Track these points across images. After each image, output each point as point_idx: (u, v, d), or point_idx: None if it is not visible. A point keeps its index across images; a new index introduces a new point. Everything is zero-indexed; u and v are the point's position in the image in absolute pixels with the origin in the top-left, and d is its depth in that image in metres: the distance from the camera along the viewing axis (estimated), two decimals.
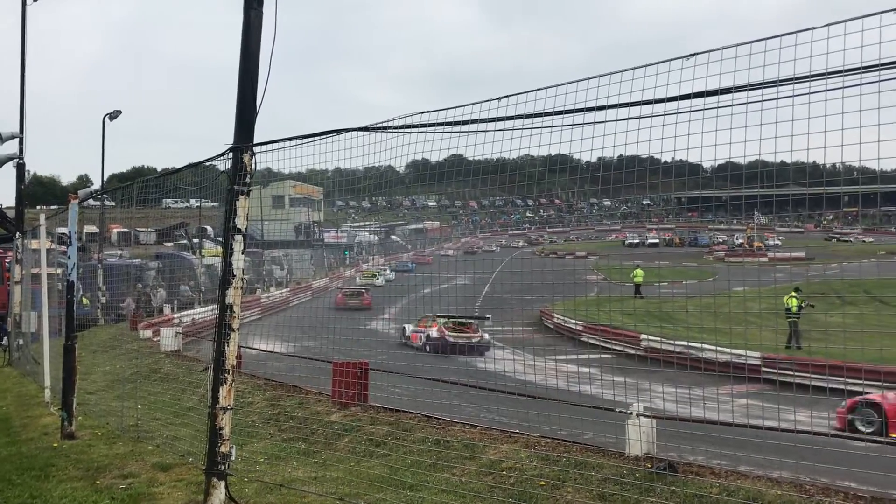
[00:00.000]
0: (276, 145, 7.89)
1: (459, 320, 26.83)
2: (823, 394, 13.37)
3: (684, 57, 6.15)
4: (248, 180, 7.08)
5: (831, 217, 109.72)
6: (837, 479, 7.46)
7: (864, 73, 5.77)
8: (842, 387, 10.38)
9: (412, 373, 13.29)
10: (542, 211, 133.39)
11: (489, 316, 24.41)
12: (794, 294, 24.92)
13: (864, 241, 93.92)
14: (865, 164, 6.38)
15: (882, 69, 5.65)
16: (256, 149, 7.36)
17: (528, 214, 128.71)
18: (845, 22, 5.48)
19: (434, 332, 27.29)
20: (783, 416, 7.74)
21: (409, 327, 28.33)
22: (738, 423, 7.45)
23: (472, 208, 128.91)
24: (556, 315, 32.26)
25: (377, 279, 51.89)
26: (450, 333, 27.27)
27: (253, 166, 7.19)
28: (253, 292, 42.33)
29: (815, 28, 5.68)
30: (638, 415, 8.02)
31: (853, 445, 9.15)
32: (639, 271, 43.51)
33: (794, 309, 24.14)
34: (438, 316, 24.91)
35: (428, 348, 26.63)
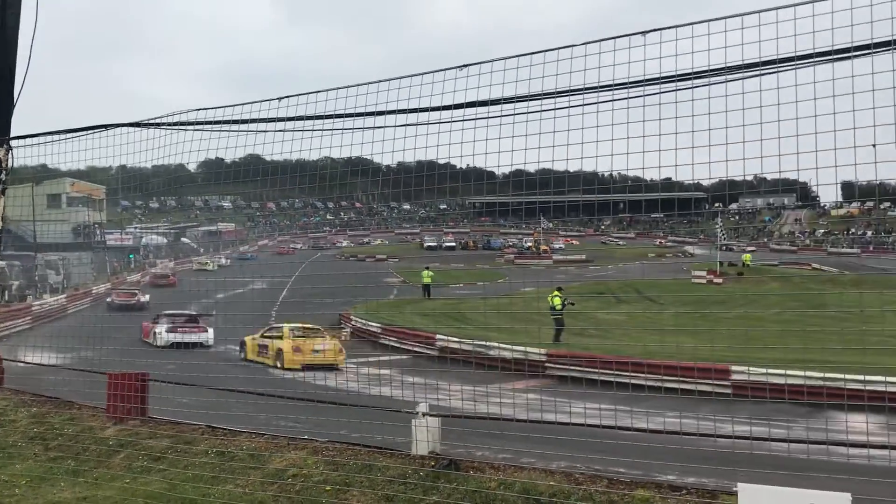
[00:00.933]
0: (41, 139, 7.22)
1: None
2: (606, 387, 14.23)
3: (457, 67, 6.35)
4: (2, 177, 6.40)
5: (608, 222, 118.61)
6: (610, 467, 7.98)
7: (630, 87, 6.18)
8: (614, 380, 11.14)
9: (197, 382, 12.66)
10: (342, 213, 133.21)
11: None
12: (556, 293, 26.74)
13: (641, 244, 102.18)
14: (635, 173, 6.89)
15: (645, 84, 6.08)
16: (17, 143, 6.68)
17: (328, 217, 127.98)
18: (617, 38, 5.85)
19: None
20: (564, 408, 8.19)
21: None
22: (520, 417, 7.76)
23: (269, 210, 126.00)
24: (354, 318, 32.25)
25: (209, 266, 58.01)
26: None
27: (10, 162, 6.51)
28: (23, 299, 38.64)
29: (588, 43, 6.02)
30: (423, 414, 8.15)
31: (623, 435, 9.86)
32: (427, 272, 44.22)
33: (558, 307, 26.00)
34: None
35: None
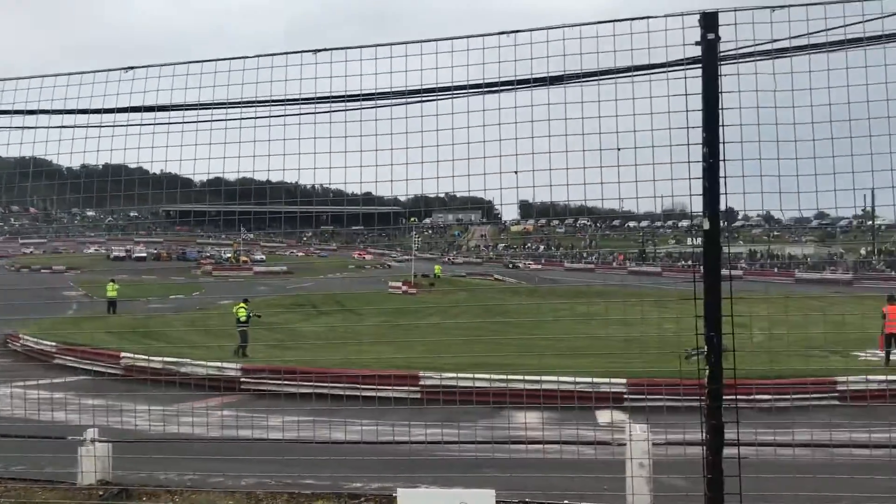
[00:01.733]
0: None
1: None
2: (304, 400, 14.15)
3: (123, 69, 5.96)
4: None
5: (311, 234, 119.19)
6: (302, 479, 7.91)
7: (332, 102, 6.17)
8: (312, 391, 11.14)
9: None
10: (13, 220, 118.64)
11: None
12: (242, 305, 26.66)
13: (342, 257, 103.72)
14: (338, 186, 6.91)
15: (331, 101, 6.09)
16: None
17: None
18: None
19: None
20: (261, 423, 7.97)
21: None
22: (211, 436, 7.41)
23: None
24: (24, 337, 28.76)
25: None
26: None
27: None
28: None
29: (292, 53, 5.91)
30: (91, 440, 7.47)
31: (320, 448, 9.87)
32: (112, 285, 40.73)
33: (244, 318, 25.99)
34: None
35: None
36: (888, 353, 22.34)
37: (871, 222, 70.95)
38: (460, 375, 18.62)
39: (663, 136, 4.74)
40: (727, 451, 5.02)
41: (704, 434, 4.66)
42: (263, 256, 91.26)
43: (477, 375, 18.86)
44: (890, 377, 20.03)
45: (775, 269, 71.22)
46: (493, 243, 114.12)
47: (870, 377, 20.18)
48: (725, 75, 4.75)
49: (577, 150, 4.83)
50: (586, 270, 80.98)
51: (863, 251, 75.63)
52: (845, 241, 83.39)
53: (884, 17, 4.47)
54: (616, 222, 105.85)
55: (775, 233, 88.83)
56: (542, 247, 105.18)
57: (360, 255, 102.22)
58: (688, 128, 4.70)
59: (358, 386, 19.03)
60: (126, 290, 45.40)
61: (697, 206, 4.71)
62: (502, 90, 5.10)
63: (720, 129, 4.69)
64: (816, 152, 5.09)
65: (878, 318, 23.02)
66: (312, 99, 6.14)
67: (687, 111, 4.72)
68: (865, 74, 4.70)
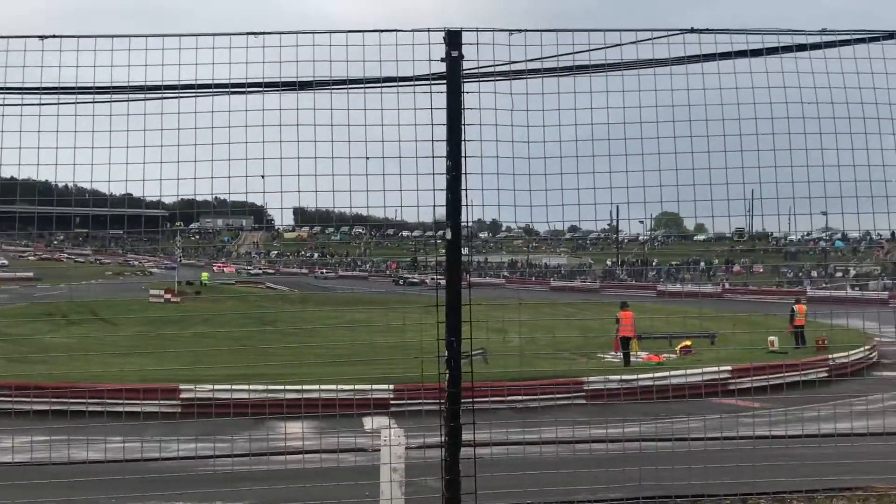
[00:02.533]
0: None
1: None
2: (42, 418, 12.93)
3: None
4: None
5: (63, 237, 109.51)
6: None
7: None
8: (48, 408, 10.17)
9: None
10: None
11: None
12: None
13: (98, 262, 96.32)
14: (97, 186, 6.33)
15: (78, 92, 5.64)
16: None
17: None
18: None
19: None
20: None
21: None
22: None
23: None
24: None
25: None
26: None
27: None
28: None
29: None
30: None
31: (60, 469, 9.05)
32: None
33: None
34: None
35: None
36: (626, 355, 24.67)
37: (615, 235, 78.22)
38: (222, 387, 17.95)
39: (410, 148, 4.88)
40: (474, 451, 5.25)
41: (443, 436, 4.84)
42: (6, 262, 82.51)
43: (239, 387, 18.30)
44: (625, 377, 22.08)
45: (533, 278, 76.22)
46: (265, 250, 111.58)
47: (609, 377, 22.12)
48: (469, 92, 4.99)
49: (325, 156, 4.83)
50: (359, 278, 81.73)
51: (608, 262, 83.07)
52: (594, 252, 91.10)
53: (605, 47, 4.94)
54: (390, 231, 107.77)
55: (534, 244, 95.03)
56: (316, 254, 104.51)
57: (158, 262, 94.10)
58: (433, 141, 4.88)
59: (109, 401, 17.71)
60: None
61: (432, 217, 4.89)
62: (249, 92, 4.98)
63: (463, 143, 4.91)
64: (571, 169, 5.48)
65: (615, 322, 25.43)
66: (73, 89, 5.59)
67: (432, 124, 4.89)
68: (604, 98, 5.14)
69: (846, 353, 26.14)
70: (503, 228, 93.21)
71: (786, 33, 5.24)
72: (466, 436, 5.67)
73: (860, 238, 67.81)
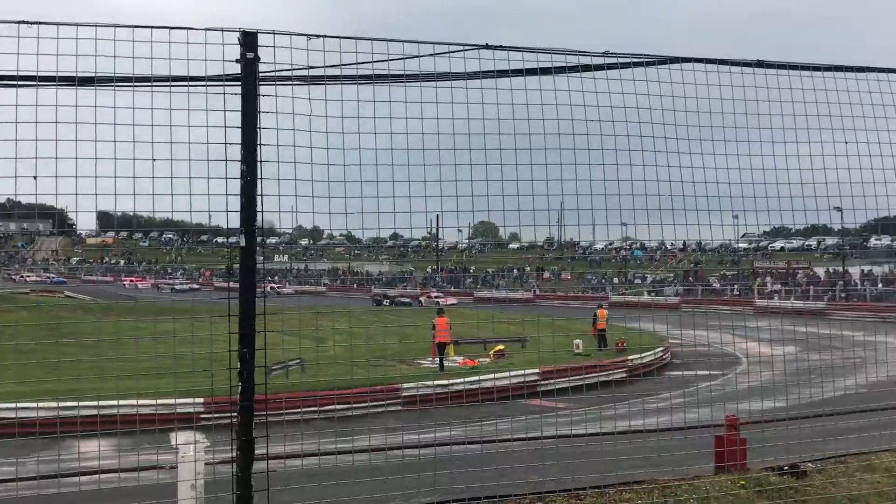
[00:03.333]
0: None
1: None
2: None
3: None
4: None
5: None
6: None
7: None
8: None
9: None
10: None
11: None
12: None
13: None
14: None
15: None
16: None
17: None
18: None
19: None
20: None
21: None
22: None
23: None
24: None
25: None
26: None
27: None
28: None
29: None
30: None
31: None
32: None
33: None
34: None
35: None
36: (441, 360, 25.17)
37: (435, 244, 79.78)
38: (6, 406, 16.44)
39: (202, 151, 4.67)
40: (267, 464, 5.09)
41: (234, 451, 4.66)
42: None
43: (26, 405, 16.83)
44: (441, 382, 22.51)
45: (355, 286, 76.05)
46: (65, 256, 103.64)
47: (424, 382, 22.49)
48: (266, 95, 4.86)
49: (107, 157, 4.51)
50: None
51: (429, 269, 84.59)
52: (415, 260, 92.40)
53: (404, 58, 4.98)
54: (204, 237, 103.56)
55: (356, 251, 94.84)
56: (123, 261, 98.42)
57: None
58: (226, 144, 4.70)
59: None
60: None
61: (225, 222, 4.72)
62: (21, 86, 4.55)
63: (259, 147, 4.77)
64: (386, 177, 5.46)
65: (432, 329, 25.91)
66: None
67: (226, 127, 4.71)
68: (412, 108, 5.18)
69: (641, 355, 28.20)
70: (325, 235, 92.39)
71: (573, 53, 5.55)
72: (276, 448, 5.51)
73: (656, 247, 73.50)
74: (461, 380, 22.61)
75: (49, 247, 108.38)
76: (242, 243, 4.71)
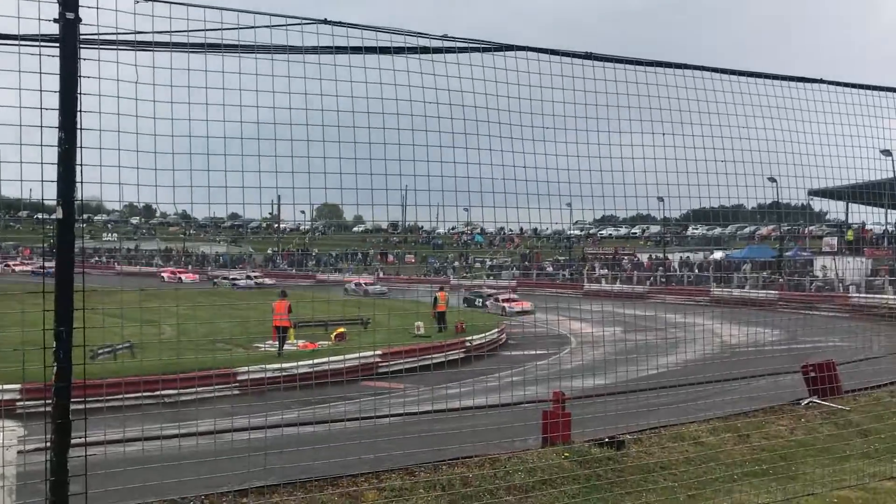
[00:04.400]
0: None
1: None
2: None
3: None
4: None
5: None
6: None
7: None
8: None
9: None
10: None
11: None
12: None
13: None
14: None
15: None
16: None
17: None
18: None
19: None
20: None
21: None
22: None
23: None
24: None
25: None
26: None
27: None
28: None
29: None
30: None
31: None
32: None
33: None
34: None
35: None
36: (281, 340, 24.80)
37: (277, 225, 78.03)
38: None
39: (15, 115, 4.32)
40: (85, 450, 4.83)
41: (49, 435, 4.39)
42: None
43: None
44: (284, 365, 22.17)
45: (189, 267, 73.10)
46: None
47: (266, 366, 22.09)
48: (88, 59, 4.56)
49: None
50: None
51: (269, 251, 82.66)
52: (255, 241, 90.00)
53: (239, 28, 4.83)
54: (24, 213, 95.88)
55: (192, 231, 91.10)
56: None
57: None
58: (41, 109, 4.37)
59: None
60: None
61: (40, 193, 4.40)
62: None
63: (79, 113, 4.47)
64: (221, 151, 5.26)
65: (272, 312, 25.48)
66: None
67: (41, 91, 4.38)
68: (246, 80, 5.01)
69: (482, 336, 29.03)
70: (157, 214, 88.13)
71: (412, 35, 5.58)
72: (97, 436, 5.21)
73: (496, 232, 75.67)
74: (300, 363, 22.37)
75: None
76: (60, 215, 4.41)
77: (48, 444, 4.35)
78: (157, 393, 19.37)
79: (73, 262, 4.42)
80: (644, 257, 64.25)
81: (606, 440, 9.14)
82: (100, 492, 4.78)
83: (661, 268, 58.50)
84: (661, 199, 8.42)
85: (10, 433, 6.88)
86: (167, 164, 5.02)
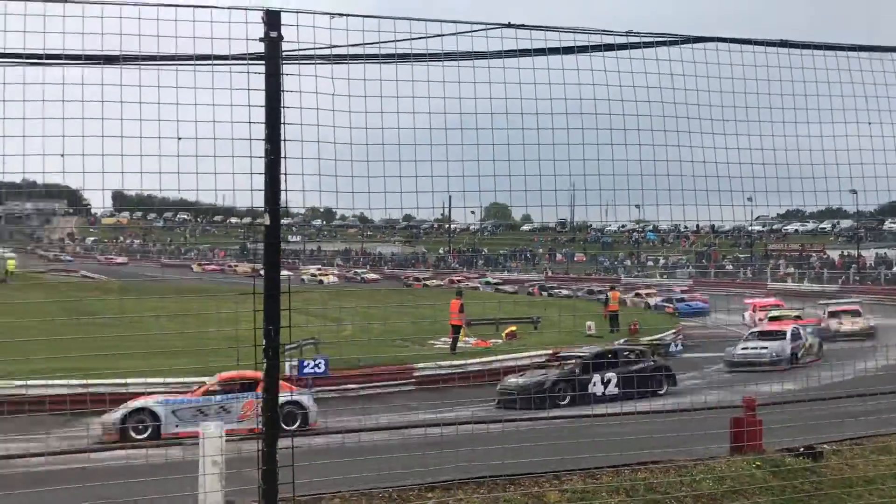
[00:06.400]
0: None
1: None
2: None
3: None
4: None
5: None
6: None
7: None
8: None
9: None
10: None
11: None
12: None
13: None
14: None
15: None
16: None
17: None
18: None
19: None
20: None
21: None
22: None
23: None
24: None
25: None
26: None
27: None
28: None
29: None
30: None
31: None
32: None
33: None
34: None
35: None
36: (454, 340, 25.27)
37: (447, 225, 79.73)
38: (30, 384, 16.67)
39: (227, 129, 4.69)
40: (292, 441, 5.16)
41: (260, 426, 4.73)
42: None
43: (51, 382, 17.06)
44: (455, 362, 22.62)
45: (368, 266, 76.28)
46: (81, 237, 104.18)
47: (439, 363, 22.63)
48: (289, 74, 4.87)
49: (134, 136, 4.54)
50: (184, 267, 78.27)
51: (441, 250, 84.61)
52: (427, 241, 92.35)
53: (427, 37, 4.98)
54: (218, 217, 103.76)
55: (369, 232, 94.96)
56: (137, 241, 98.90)
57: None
58: (250, 122, 4.72)
59: None
60: None
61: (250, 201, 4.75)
62: (48, 64, 4.59)
63: (282, 126, 4.79)
64: (403, 157, 5.47)
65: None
66: None
67: (249, 106, 4.73)
68: (434, 87, 5.15)
69: (659, 336, 28.15)
70: (337, 216, 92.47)
71: (595, 33, 5.52)
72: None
73: (669, 230, 73.14)
74: (474, 360, 22.74)
75: (65, 226, 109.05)
76: (267, 222, 4.74)
77: (260, 434, 4.69)
78: (343, 387, 20.35)
79: (279, 264, 4.75)
80: (834, 254, 59.81)
81: (802, 450, 8.57)
82: (304, 481, 5.09)
83: (853, 265, 54.21)
84: (854, 192, 7.81)
85: (221, 423, 7.48)
86: (348, 170, 5.23)
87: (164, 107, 4.85)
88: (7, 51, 4.89)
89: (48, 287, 49.41)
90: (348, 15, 4.79)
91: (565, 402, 16.92)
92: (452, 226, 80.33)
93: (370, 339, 24.73)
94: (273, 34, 4.71)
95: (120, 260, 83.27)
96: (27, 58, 4.55)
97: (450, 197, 7.04)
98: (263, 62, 4.75)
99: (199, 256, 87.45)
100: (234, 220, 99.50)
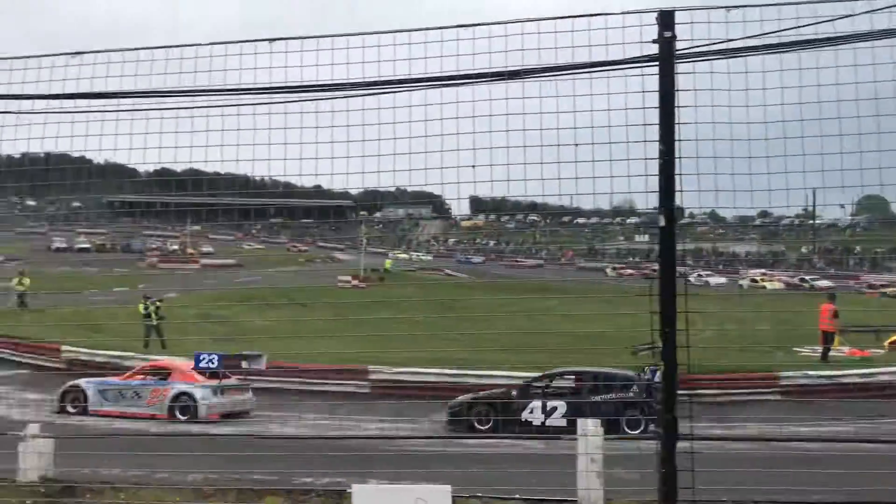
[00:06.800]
0: None
1: None
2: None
3: (70, 54, 5.76)
4: None
5: (259, 227, 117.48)
6: (250, 475, 7.81)
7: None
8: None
9: None
10: None
11: None
12: (145, 300, 26.88)
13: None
14: (289, 179, 6.79)
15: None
16: None
17: None
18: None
19: None
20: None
21: None
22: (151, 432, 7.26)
23: None
24: None
25: None
26: None
27: None
28: None
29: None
30: (34, 436, 7.31)
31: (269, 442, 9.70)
32: (20, 279, 35.86)
33: (144, 313, 26.15)
34: None
35: None
36: (826, 350, 22.96)
37: (811, 221, 72.95)
38: (409, 370, 18.56)
39: (619, 133, 4.77)
40: (691, 444, 5.07)
41: (658, 428, 4.71)
42: (212, 249, 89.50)
43: (426, 370, 18.84)
44: (824, 372, 20.54)
45: (720, 267, 72.66)
46: (443, 238, 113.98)
47: (808, 372, 20.71)
48: (681, 73, 4.80)
49: (534, 144, 4.83)
50: (536, 266, 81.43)
51: (803, 249, 77.65)
52: (787, 239, 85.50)
53: (834, 19, 4.56)
54: (565, 218, 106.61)
55: (720, 230, 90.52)
56: (491, 242, 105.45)
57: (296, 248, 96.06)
58: (644, 125, 4.75)
59: (306, 381, 18.91)
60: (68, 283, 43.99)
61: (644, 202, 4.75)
62: (461, 83, 5.06)
63: (676, 126, 4.74)
64: (765, 152, 5.17)
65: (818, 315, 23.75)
66: (268, 89, 6.00)
67: (644, 108, 4.75)
68: (817, 75, 4.79)
69: None
70: (685, 215, 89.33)
71: None
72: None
73: None
74: (850, 372, 20.46)
75: (430, 230, 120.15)
76: (662, 223, 4.73)
77: (658, 435, 4.69)
78: (696, 391, 19.58)
79: (676, 266, 4.71)
80: None
81: None
82: (705, 487, 4.98)
83: None
84: None
85: (596, 421, 7.61)
86: (749, 168, 4.99)
87: (549, 115, 5.08)
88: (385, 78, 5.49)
89: (424, 286, 54.40)
90: (745, 6, 4.59)
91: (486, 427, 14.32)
92: (817, 221, 73.24)
93: (728, 345, 23.55)
94: (667, 34, 4.69)
95: (476, 259, 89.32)
96: (459, 79, 5.10)
97: (813, 190, 6.43)
98: (657, 63, 4.75)
99: (548, 256, 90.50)
100: (580, 220, 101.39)
